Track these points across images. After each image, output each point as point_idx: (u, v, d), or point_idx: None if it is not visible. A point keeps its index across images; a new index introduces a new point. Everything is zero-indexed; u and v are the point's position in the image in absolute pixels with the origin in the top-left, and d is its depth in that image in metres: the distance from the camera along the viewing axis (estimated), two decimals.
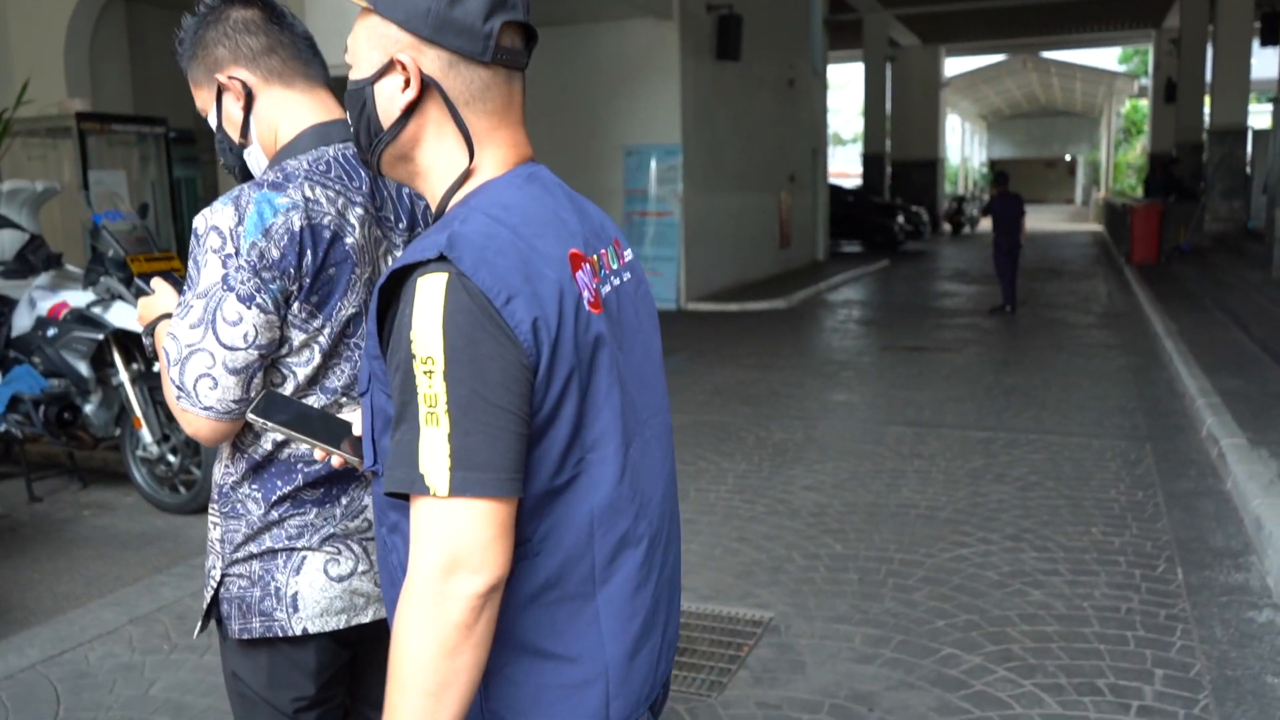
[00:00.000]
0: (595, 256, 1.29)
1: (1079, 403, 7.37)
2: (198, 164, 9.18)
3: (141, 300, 1.74)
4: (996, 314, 12.28)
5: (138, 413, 5.03)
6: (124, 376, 5.06)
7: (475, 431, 1.11)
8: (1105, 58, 47.89)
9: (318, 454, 1.38)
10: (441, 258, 1.14)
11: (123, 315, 5.02)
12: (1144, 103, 37.31)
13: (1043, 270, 17.84)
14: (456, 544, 1.10)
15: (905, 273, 18.57)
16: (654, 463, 1.34)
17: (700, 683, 3.32)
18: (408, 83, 1.24)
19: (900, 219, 23.16)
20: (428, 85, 1.24)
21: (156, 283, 1.69)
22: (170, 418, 5.08)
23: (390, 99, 1.25)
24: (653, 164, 13.56)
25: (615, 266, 1.33)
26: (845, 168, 40.95)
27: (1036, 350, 9.73)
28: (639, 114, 13.45)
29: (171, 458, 5.09)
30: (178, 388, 1.55)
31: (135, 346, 5.22)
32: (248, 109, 1.67)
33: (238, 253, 1.50)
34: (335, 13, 7.76)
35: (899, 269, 19.22)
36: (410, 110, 1.25)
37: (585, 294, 1.23)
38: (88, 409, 5.17)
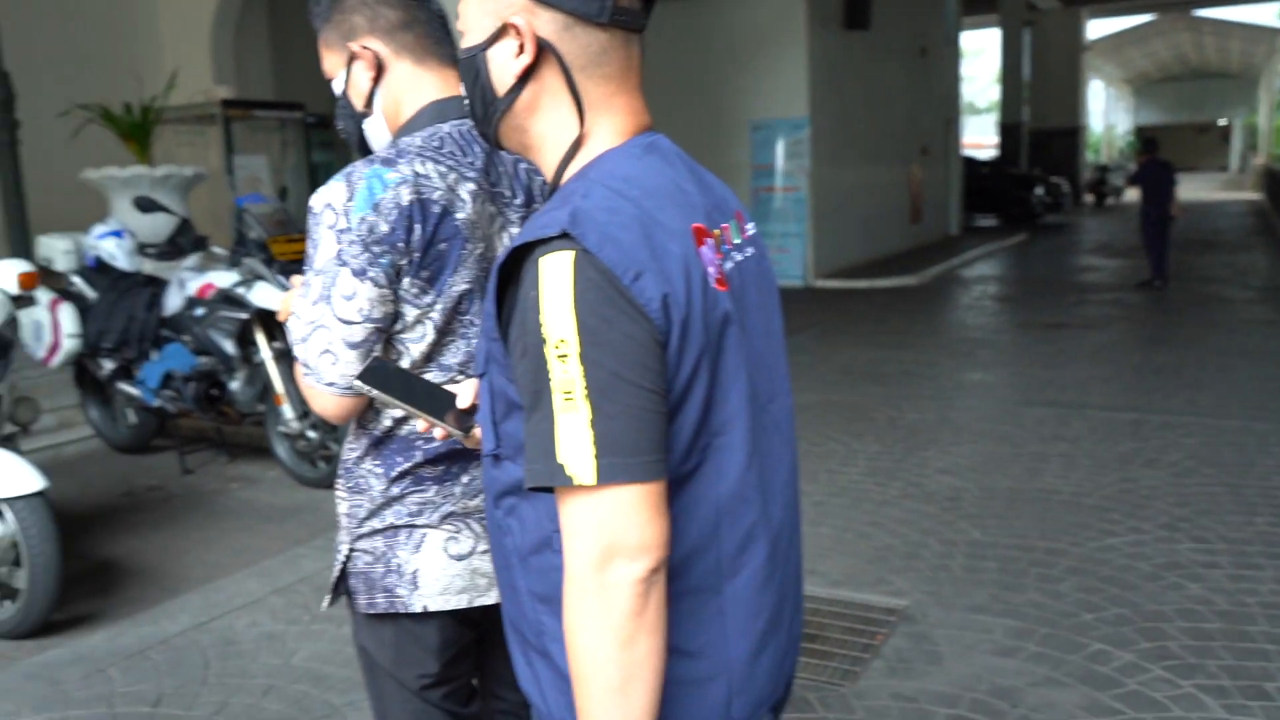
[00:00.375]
0: (718, 231, 1.23)
1: (1237, 384, 6.92)
2: (334, 147, 9.43)
3: (283, 296, 1.76)
4: (1144, 289, 11.66)
5: (279, 389, 5.20)
6: (266, 354, 5.23)
7: (618, 415, 1.05)
8: (1264, 14, 44.87)
9: (419, 425, 1.37)
10: (564, 235, 1.08)
11: (264, 295, 5.18)
12: None
13: (1195, 242, 16.86)
14: (610, 533, 1.06)
15: (1044, 247, 17.83)
16: (776, 449, 1.28)
17: (832, 671, 3.23)
18: (521, 48, 1.18)
19: (1039, 190, 22.22)
20: (543, 50, 1.18)
21: (296, 279, 1.70)
22: None
23: (504, 65, 1.20)
24: (779, 138, 13.34)
25: (738, 241, 1.27)
26: (980, 138, 39.55)
27: (1189, 327, 9.20)
28: (765, 87, 13.23)
29: (311, 433, 5.25)
30: (304, 365, 1.57)
31: (277, 325, 5.39)
32: (376, 80, 1.67)
33: (349, 228, 1.50)
34: None
35: (1037, 243, 18.46)
36: (525, 76, 1.20)
37: (711, 270, 1.17)
38: (233, 386, 5.38)
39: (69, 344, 5.55)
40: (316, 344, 1.55)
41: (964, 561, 4.07)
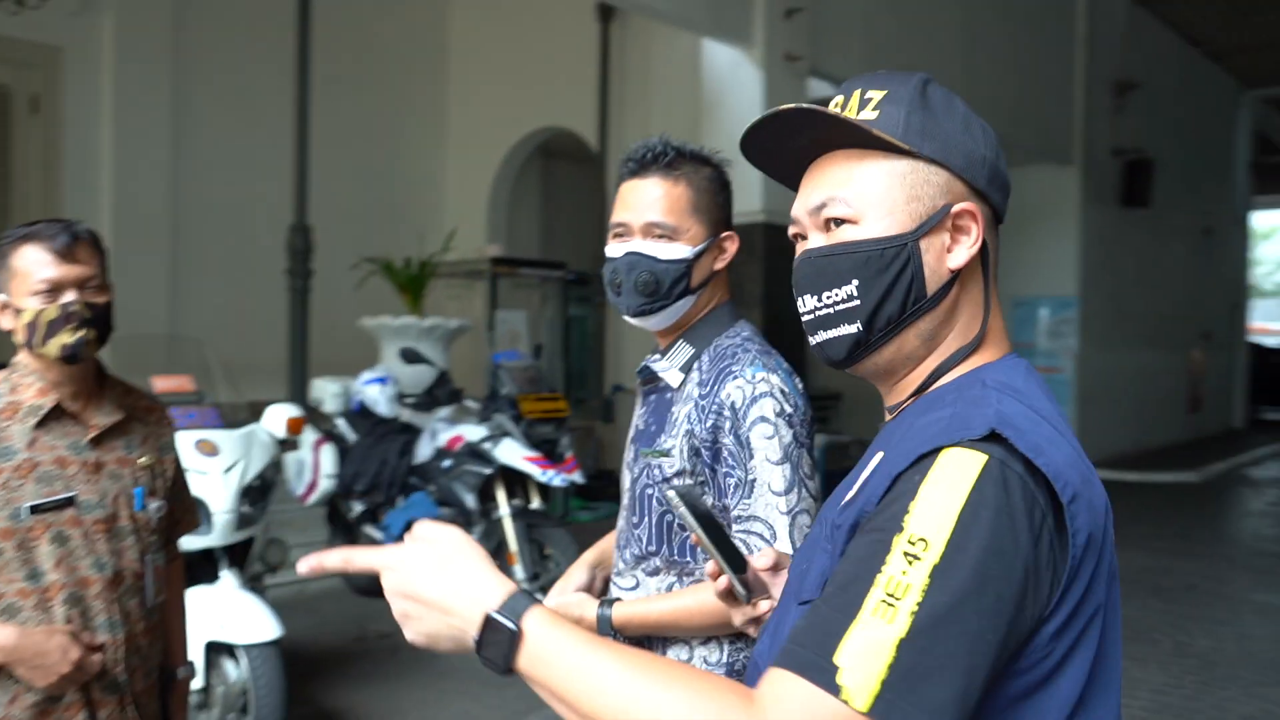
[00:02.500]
0: None
1: None
2: (590, 304, 9.71)
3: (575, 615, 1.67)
4: None
5: (513, 548, 5.14)
6: (504, 511, 5.21)
7: (938, 655, 0.81)
8: None
9: (710, 566, 1.22)
10: (991, 436, 0.87)
11: (509, 452, 5.20)
12: None
13: None
14: None
15: None
16: None
17: None
18: (953, 240, 1.03)
19: None
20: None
21: (572, 600, 1.68)
22: (543, 555, 5.15)
23: (940, 258, 1.02)
24: (1043, 315, 12.66)
25: None
26: (1267, 323, 36.39)
27: None
28: (1032, 263, 12.64)
29: (540, 596, 5.13)
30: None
31: (517, 482, 5.39)
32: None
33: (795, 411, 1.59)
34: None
35: None
36: (958, 272, 1.03)
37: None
38: None
39: (325, 484, 5.77)
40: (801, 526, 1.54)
41: None
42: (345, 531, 6.26)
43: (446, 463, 5.39)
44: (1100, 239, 12.81)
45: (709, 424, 1.55)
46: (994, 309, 1.06)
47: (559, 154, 11.66)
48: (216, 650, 3.62)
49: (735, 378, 1.55)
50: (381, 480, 5.66)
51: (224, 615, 3.56)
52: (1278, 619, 6.13)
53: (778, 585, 1.23)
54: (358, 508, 5.88)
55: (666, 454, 1.59)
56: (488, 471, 5.23)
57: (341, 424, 6.03)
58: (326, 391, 6.28)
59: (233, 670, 3.62)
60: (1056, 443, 0.91)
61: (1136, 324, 13.94)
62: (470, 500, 5.29)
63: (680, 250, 1.61)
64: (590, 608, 1.61)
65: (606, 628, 1.58)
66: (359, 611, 5.92)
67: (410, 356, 5.53)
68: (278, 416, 4.37)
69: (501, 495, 5.25)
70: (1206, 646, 5.46)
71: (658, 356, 1.69)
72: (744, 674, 1.56)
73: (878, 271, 1.01)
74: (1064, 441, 0.92)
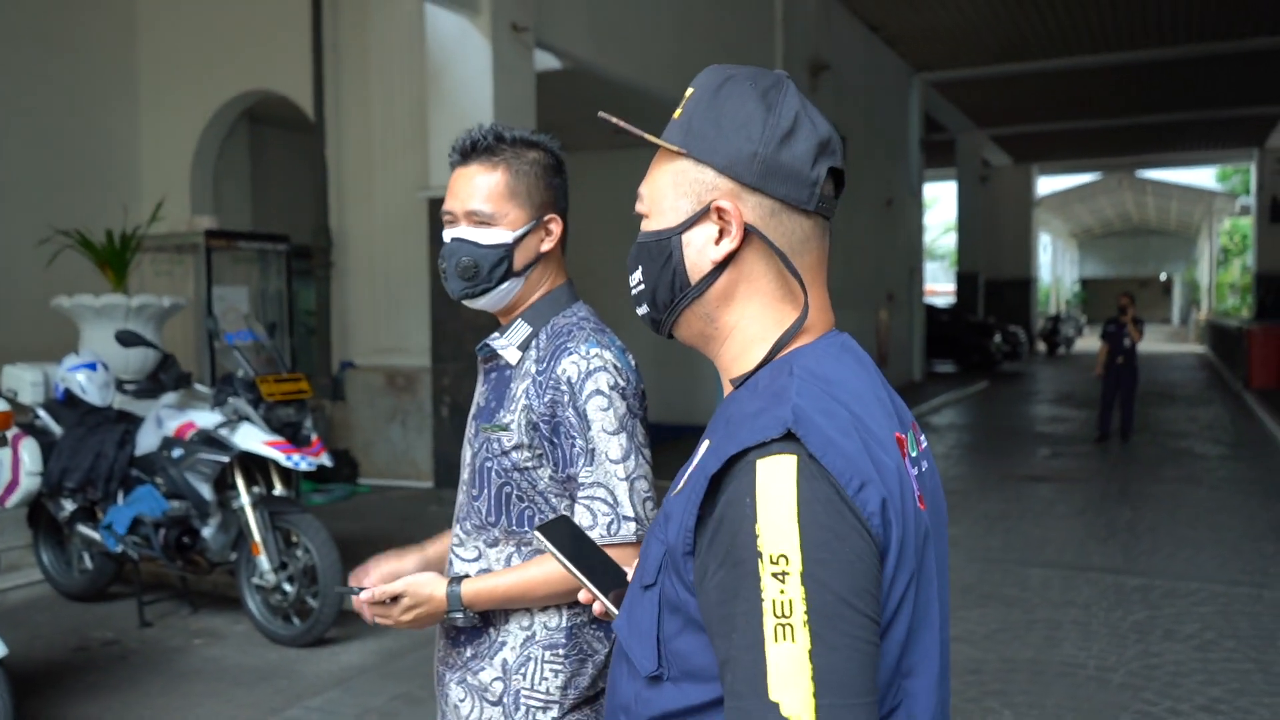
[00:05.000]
0: (908, 440, 1.11)
1: (1234, 545, 6.82)
2: (311, 278, 9.26)
3: (424, 597, 1.66)
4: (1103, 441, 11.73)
5: (256, 538, 4.87)
6: (245, 500, 4.92)
7: (841, 646, 0.90)
8: (1202, 176, 47.23)
9: (583, 595, 1.27)
10: (788, 435, 0.95)
11: (249, 437, 4.91)
12: (1245, 221, 36.40)
13: (1154, 395, 17.12)
14: None
15: (1007, 395, 18.02)
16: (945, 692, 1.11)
17: None
18: (721, 232, 1.09)
19: (997, 338, 22.64)
20: (748, 235, 1.08)
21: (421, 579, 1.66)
22: (290, 544, 4.92)
23: (701, 250, 1.10)
24: None
25: (914, 454, 1.13)
26: (931, 285, 40.53)
27: (1170, 484, 9.15)
28: None
29: (288, 587, 4.91)
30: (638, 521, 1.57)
31: (258, 469, 5.10)
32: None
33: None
34: (453, 133, 7.83)
35: (999, 390, 18.66)
36: (724, 262, 1.09)
37: (915, 485, 1.05)
38: (206, 533, 5.04)
39: (28, 482, 5.17)
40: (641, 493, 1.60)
41: None
42: (53, 532, 5.68)
43: (176, 452, 5.00)
44: None
45: (547, 399, 1.59)
46: (813, 290, 1.13)
47: (270, 120, 10.98)
48: None
49: (570, 354, 1.60)
50: (98, 475, 5.16)
51: None
52: (968, 548, 6.91)
53: None
54: (69, 506, 5.35)
55: (505, 428, 1.62)
56: (225, 459, 4.90)
57: (44, 415, 5.45)
58: (22, 380, 5.64)
59: None
60: (847, 431, 0.98)
61: (834, 288, 14.84)
62: (206, 491, 4.96)
63: (499, 235, 1.65)
64: (440, 586, 1.61)
65: (456, 604, 1.60)
66: (76, 619, 5.41)
67: (128, 339, 5.07)
68: None
69: (241, 483, 4.95)
70: None
71: (497, 335, 1.72)
72: (580, 636, 1.61)
73: (649, 261, 1.13)
74: (855, 429, 1.00)
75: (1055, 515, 7.92)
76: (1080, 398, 16.93)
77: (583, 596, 1.27)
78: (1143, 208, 42.57)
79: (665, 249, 1.11)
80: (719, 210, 1.08)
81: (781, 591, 0.90)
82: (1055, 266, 47.55)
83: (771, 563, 0.91)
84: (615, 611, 1.24)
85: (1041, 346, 30.40)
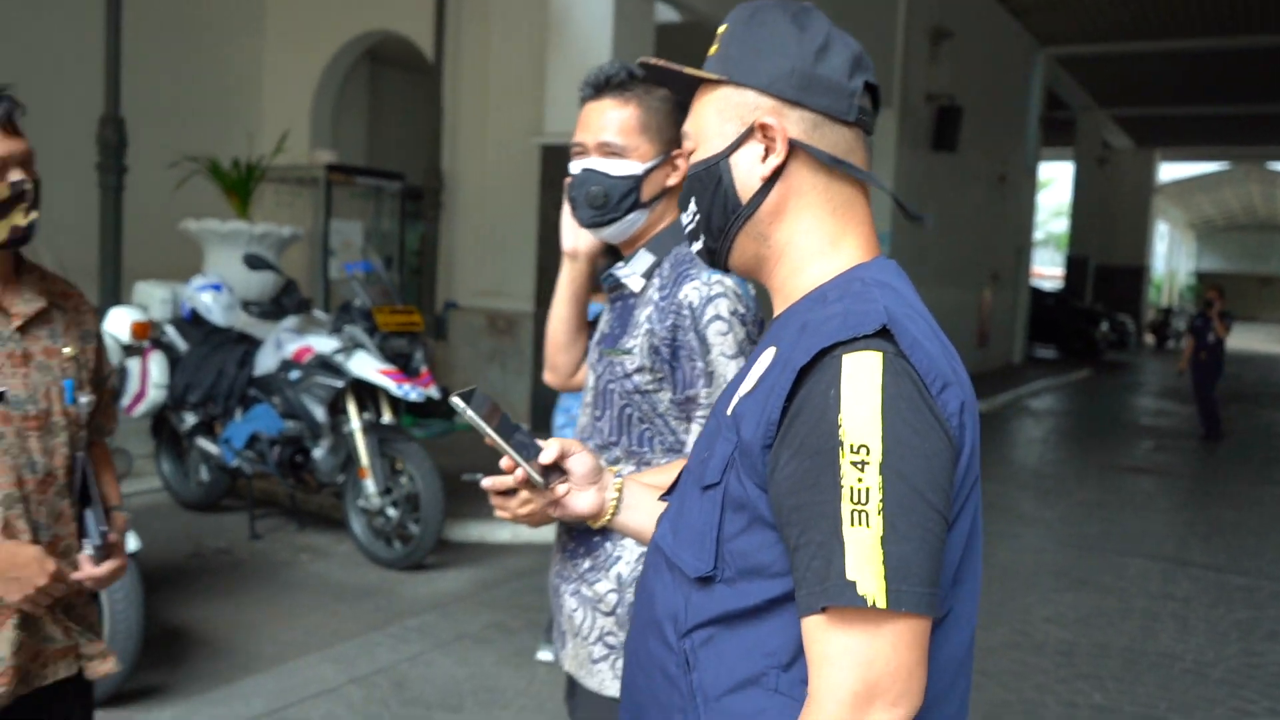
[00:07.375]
0: None
1: None
2: (418, 218, 9.45)
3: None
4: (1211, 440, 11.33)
5: (364, 463, 5.05)
6: (355, 425, 5.09)
7: (912, 537, 0.94)
8: None
9: (504, 462, 1.30)
10: (879, 333, 0.99)
11: (363, 364, 5.07)
12: None
13: (1269, 395, 16.44)
14: (878, 669, 0.94)
15: (1110, 385, 17.50)
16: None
17: None
18: (767, 149, 1.12)
19: (1104, 326, 21.95)
20: (794, 149, 1.12)
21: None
22: (395, 471, 5.08)
23: (750, 170, 1.14)
24: None
25: None
26: (1041, 268, 39.41)
27: (1276, 486, 8.84)
28: None
29: (391, 511, 5.07)
30: None
31: (369, 396, 5.27)
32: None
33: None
34: (570, 81, 7.86)
35: (1102, 380, 18.14)
36: (773, 178, 1.13)
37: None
38: (317, 454, 5.23)
39: (154, 394, 5.46)
40: None
41: None
42: (173, 444, 5.96)
43: (294, 374, 5.20)
44: (910, 179, 13.49)
45: (668, 323, 1.63)
46: (859, 212, 1.16)
47: (389, 60, 11.17)
48: None
49: (692, 280, 1.63)
50: (219, 392, 5.40)
51: None
52: (1064, 536, 6.80)
53: (577, 471, 1.33)
54: (190, 420, 5.60)
55: (628, 353, 1.68)
56: (339, 384, 5.08)
57: (171, 331, 5.69)
58: (153, 297, 5.89)
59: None
60: (929, 336, 1.04)
61: (936, 262, 14.82)
62: (320, 413, 5.14)
63: (630, 167, 1.71)
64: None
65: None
66: (191, 527, 5.68)
67: (255, 263, 5.26)
68: (121, 320, 4.09)
69: (353, 409, 5.12)
70: (1007, 560, 6.02)
71: (621, 264, 1.76)
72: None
73: (701, 191, 1.17)
74: (935, 336, 1.07)
75: (1156, 509, 7.72)
76: (1185, 393, 16.33)
77: (504, 464, 1.31)
78: (1270, 201, 40.59)
79: (715, 174, 1.15)
80: (763, 127, 1.12)
81: (859, 480, 0.94)
82: (1170, 258, 45.74)
83: (852, 451, 0.95)
84: (538, 478, 1.29)
85: (1150, 338, 29.38)
